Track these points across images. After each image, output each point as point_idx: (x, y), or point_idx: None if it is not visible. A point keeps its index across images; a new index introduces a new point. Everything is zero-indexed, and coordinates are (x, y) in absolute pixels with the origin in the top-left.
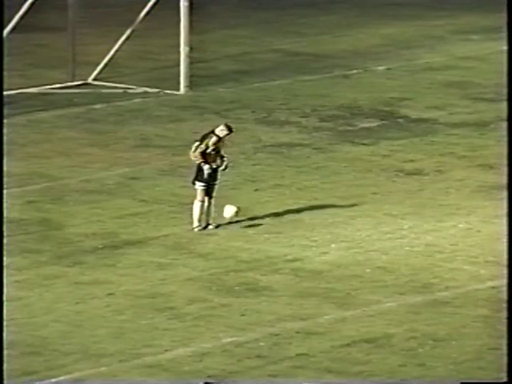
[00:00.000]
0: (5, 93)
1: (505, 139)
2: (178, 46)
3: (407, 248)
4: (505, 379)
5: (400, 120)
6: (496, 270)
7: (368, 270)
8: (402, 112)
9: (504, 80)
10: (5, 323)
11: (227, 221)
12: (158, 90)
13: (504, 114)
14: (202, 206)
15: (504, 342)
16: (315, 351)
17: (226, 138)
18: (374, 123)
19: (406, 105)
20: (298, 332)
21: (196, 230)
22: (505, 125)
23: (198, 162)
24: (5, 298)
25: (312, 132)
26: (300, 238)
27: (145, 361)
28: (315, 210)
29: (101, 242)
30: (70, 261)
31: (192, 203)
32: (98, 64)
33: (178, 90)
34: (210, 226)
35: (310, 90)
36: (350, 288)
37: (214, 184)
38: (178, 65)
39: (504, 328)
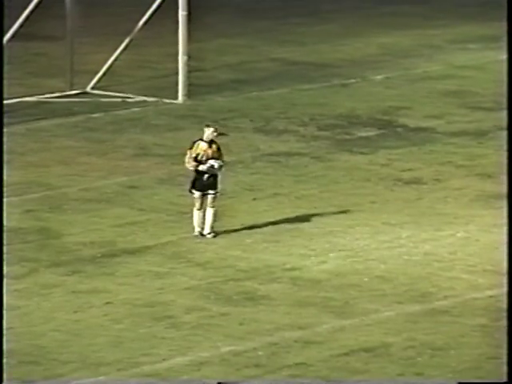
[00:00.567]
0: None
1: (503, 148)
2: (177, 55)
3: (405, 257)
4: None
5: (398, 129)
6: (494, 279)
7: (366, 279)
8: (400, 121)
9: (502, 89)
10: (3, 332)
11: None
12: (156, 98)
13: (502, 122)
14: (200, 213)
15: (503, 351)
16: (313, 360)
17: (216, 138)
18: (372, 132)
19: (405, 114)
20: (296, 341)
21: (196, 233)
22: (503, 134)
23: (193, 168)
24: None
25: (310, 141)
26: (298, 247)
27: (143, 370)
28: (313, 219)
29: (99, 250)
30: (69, 269)
31: (190, 212)
32: (96, 73)
33: (177, 98)
34: (208, 236)
35: (308, 99)
36: (348, 297)
37: (213, 192)
38: (177, 74)
39: (503, 337)
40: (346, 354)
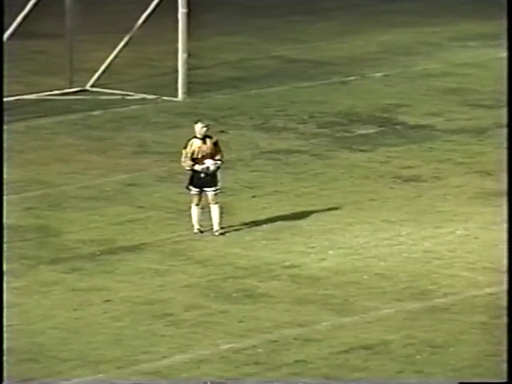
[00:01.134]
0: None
1: (503, 146)
2: (176, 52)
3: (405, 254)
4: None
5: (398, 126)
6: (494, 277)
7: (366, 277)
8: (399, 118)
9: (502, 86)
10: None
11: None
12: (155, 96)
13: (502, 120)
14: (198, 209)
15: (502, 348)
16: (313, 358)
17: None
18: (371, 130)
19: (404, 111)
20: (295, 338)
21: (195, 231)
22: (503, 131)
23: (189, 168)
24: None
25: (310, 138)
26: (298, 245)
27: (143, 367)
28: (313, 217)
29: (98, 248)
30: (68, 267)
31: (190, 209)
32: (96, 71)
33: (176, 96)
34: (217, 234)
35: (307, 97)
36: (347, 294)
37: (213, 189)
38: (176, 71)
39: (502, 334)
40: (346, 352)
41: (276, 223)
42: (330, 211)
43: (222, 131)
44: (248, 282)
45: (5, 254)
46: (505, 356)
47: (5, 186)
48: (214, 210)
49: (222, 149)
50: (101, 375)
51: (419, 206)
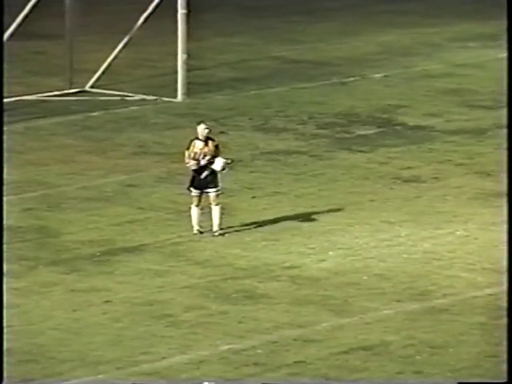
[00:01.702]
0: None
1: (502, 146)
2: (176, 53)
3: (405, 255)
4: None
5: (397, 127)
6: (493, 278)
7: (365, 278)
8: (399, 119)
9: (501, 87)
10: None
11: (219, 171)
12: (155, 97)
13: (501, 121)
14: (198, 210)
15: (502, 349)
16: (313, 358)
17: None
18: (371, 130)
19: (404, 112)
20: (295, 339)
21: (195, 232)
22: (502, 132)
23: (193, 167)
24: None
25: (309, 139)
26: (297, 246)
27: (142, 368)
28: (313, 218)
29: (98, 249)
30: (67, 268)
31: (189, 210)
32: (95, 71)
33: (176, 97)
34: (216, 234)
35: (307, 98)
36: (347, 295)
37: (214, 190)
38: (176, 72)
39: (502, 335)
40: (345, 353)
41: (276, 224)
42: (330, 212)
43: (222, 132)
44: (248, 282)
45: (4, 255)
46: (504, 357)
47: (4, 187)
48: (215, 210)
49: (222, 149)
50: (100, 376)
51: (419, 207)
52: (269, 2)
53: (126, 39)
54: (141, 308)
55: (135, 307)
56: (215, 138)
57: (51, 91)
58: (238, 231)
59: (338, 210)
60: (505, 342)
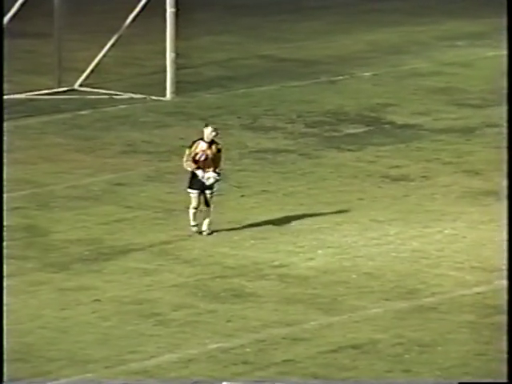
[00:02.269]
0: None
1: (491, 145)
2: (164, 52)
3: (393, 254)
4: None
5: (386, 126)
6: (482, 276)
7: (354, 276)
8: (387, 118)
9: (490, 86)
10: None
11: (208, 185)
12: (144, 96)
13: (490, 119)
14: (196, 212)
15: (490, 347)
16: (301, 357)
17: (216, 140)
18: (359, 129)
19: (392, 111)
20: (284, 338)
21: (193, 229)
22: (491, 131)
23: (190, 169)
24: None
25: (298, 138)
26: (286, 244)
27: (130, 367)
28: (301, 216)
29: (86, 248)
30: (56, 267)
31: (178, 209)
32: (84, 70)
33: (164, 95)
34: (205, 233)
35: (296, 96)
36: (336, 294)
37: (210, 192)
38: (164, 71)
39: (490, 334)
40: (334, 351)
41: (264, 223)
42: (319, 211)
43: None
44: (236, 281)
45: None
46: (493, 355)
47: None
48: (207, 211)
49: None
50: (89, 375)
51: (407, 206)
52: (257, 0)
53: (114, 38)
54: (129, 307)
55: (123, 306)
56: (219, 142)
57: (40, 90)
58: (226, 230)
59: (327, 208)
60: (494, 340)
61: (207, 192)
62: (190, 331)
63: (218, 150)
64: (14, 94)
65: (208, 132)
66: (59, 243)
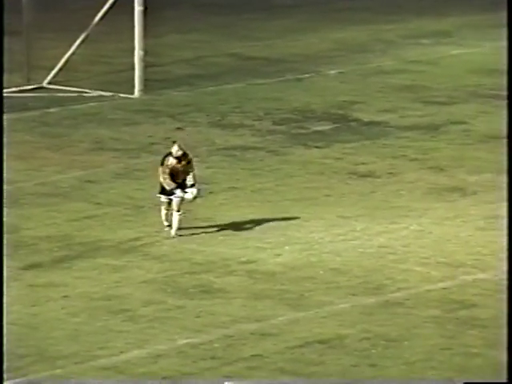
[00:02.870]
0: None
1: (455, 142)
2: (133, 50)
3: (360, 250)
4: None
5: (352, 123)
6: (447, 271)
7: (321, 272)
8: (354, 115)
9: (455, 83)
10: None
11: (190, 201)
12: (112, 93)
13: (455, 117)
14: (167, 212)
15: (455, 342)
16: (269, 352)
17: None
18: (326, 126)
19: (358, 108)
20: (252, 333)
21: (166, 229)
22: (455, 128)
23: (169, 188)
24: None
25: (265, 135)
26: (254, 240)
27: (100, 363)
28: (269, 212)
29: (56, 244)
30: (26, 264)
31: (146, 206)
32: (52, 68)
33: (133, 93)
34: (173, 236)
35: (263, 94)
36: (303, 289)
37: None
38: (133, 69)
39: (455, 328)
40: (301, 346)
41: (232, 219)
42: (286, 207)
43: (179, 128)
44: (204, 277)
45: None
46: (457, 349)
47: None
48: (175, 216)
49: (190, 157)
50: (58, 371)
51: (374, 202)
52: None
53: (83, 36)
54: (98, 303)
55: (93, 302)
56: (189, 154)
57: (9, 87)
58: (194, 226)
59: (294, 205)
60: (459, 335)
61: (176, 197)
62: (158, 327)
63: (188, 162)
64: None
65: (175, 150)
66: (29, 240)
